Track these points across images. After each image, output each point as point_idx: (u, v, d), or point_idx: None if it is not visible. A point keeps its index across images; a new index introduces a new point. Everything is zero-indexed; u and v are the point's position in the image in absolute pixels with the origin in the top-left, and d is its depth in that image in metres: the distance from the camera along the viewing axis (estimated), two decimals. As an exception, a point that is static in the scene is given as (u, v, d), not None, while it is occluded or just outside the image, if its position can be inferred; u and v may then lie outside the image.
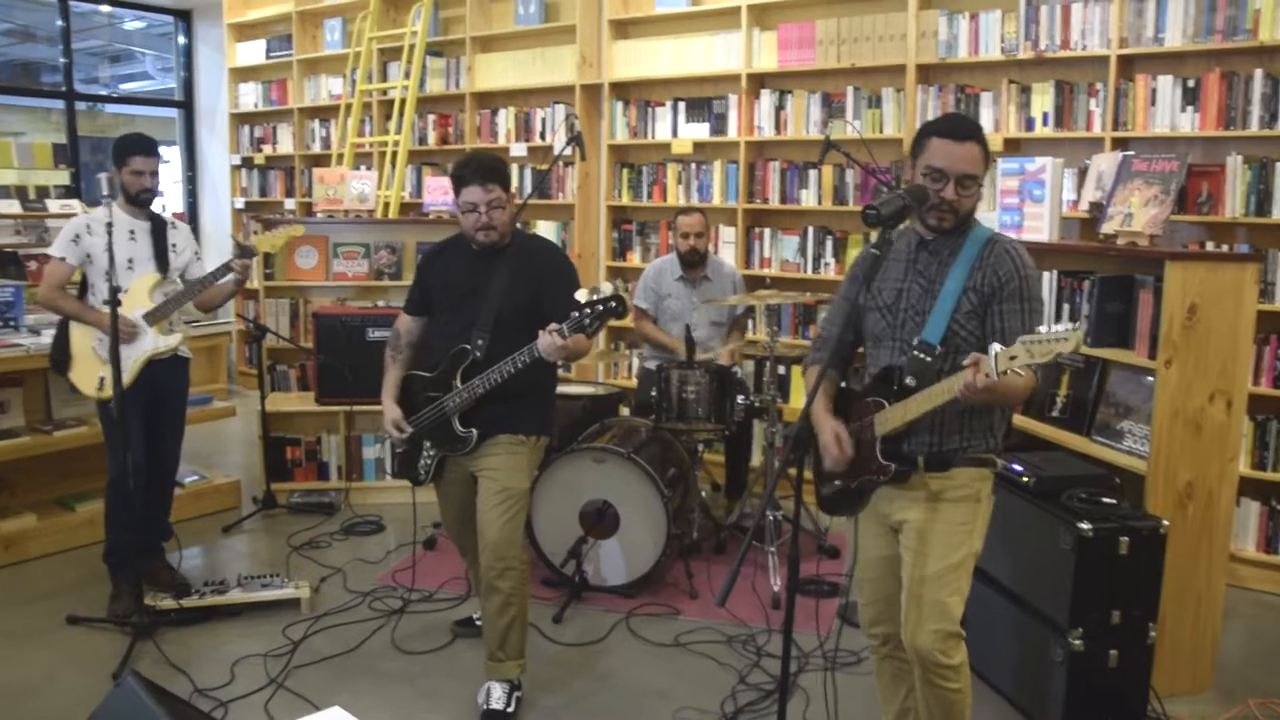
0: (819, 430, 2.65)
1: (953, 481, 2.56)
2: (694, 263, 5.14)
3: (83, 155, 8.38)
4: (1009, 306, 2.50)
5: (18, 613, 4.03)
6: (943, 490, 2.56)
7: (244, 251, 4.05)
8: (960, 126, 2.50)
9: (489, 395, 3.21)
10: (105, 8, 8.98)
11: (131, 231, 4.00)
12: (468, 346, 3.25)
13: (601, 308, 2.99)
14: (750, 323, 5.53)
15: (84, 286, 4.09)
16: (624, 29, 6.41)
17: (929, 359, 2.51)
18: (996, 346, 2.22)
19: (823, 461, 2.70)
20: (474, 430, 3.26)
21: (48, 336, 4.33)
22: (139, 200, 4.01)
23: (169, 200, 9.25)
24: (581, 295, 3.02)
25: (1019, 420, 3.84)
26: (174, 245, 4.10)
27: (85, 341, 4.00)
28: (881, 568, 2.72)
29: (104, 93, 9.81)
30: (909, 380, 2.52)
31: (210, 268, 4.09)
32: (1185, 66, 4.61)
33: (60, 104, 8.32)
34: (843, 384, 2.78)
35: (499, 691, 3.28)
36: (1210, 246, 4.55)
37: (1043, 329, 2.21)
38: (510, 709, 3.27)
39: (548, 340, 3.02)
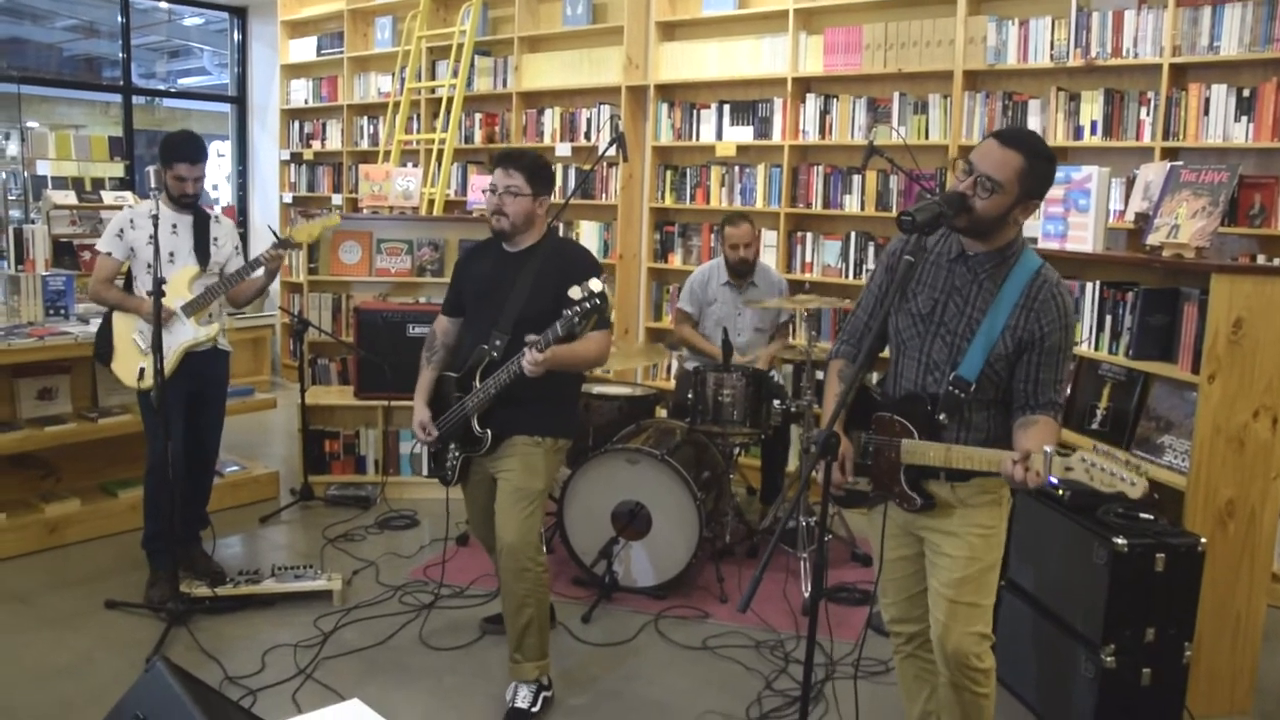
0: None
1: (975, 488, 2.52)
2: (744, 273, 5.12)
3: (138, 148, 8.54)
4: (1046, 359, 2.42)
5: (59, 596, 4.11)
6: (967, 497, 2.53)
7: (280, 244, 4.10)
8: (1013, 134, 2.43)
9: (506, 397, 3.20)
10: (165, 4, 9.14)
11: (174, 225, 4.06)
12: (485, 347, 3.26)
13: (589, 305, 2.97)
14: (791, 327, 5.51)
15: (129, 280, 4.17)
16: (671, 31, 6.42)
17: (963, 395, 2.47)
18: (1049, 449, 2.17)
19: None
20: (489, 431, 3.26)
21: (96, 325, 4.41)
22: (180, 203, 4.08)
23: (220, 194, 9.41)
24: (575, 293, 2.99)
25: (1058, 432, 3.78)
26: (215, 239, 4.16)
27: (127, 333, 4.07)
28: (903, 568, 2.71)
29: (162, 87, 9.99)
30: (941, 416, 2.48)
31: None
32: (1241, 76, 4.52)
33: (119, 98, 8.49)
34: (875, 383, 2.75)
35: (525, 691, 3.29)
36: (1262, 260, 4.45)
37: (1101, 459, 2.16)
38: (535, 709, 3.27)
39: (528, 357, 3.03)
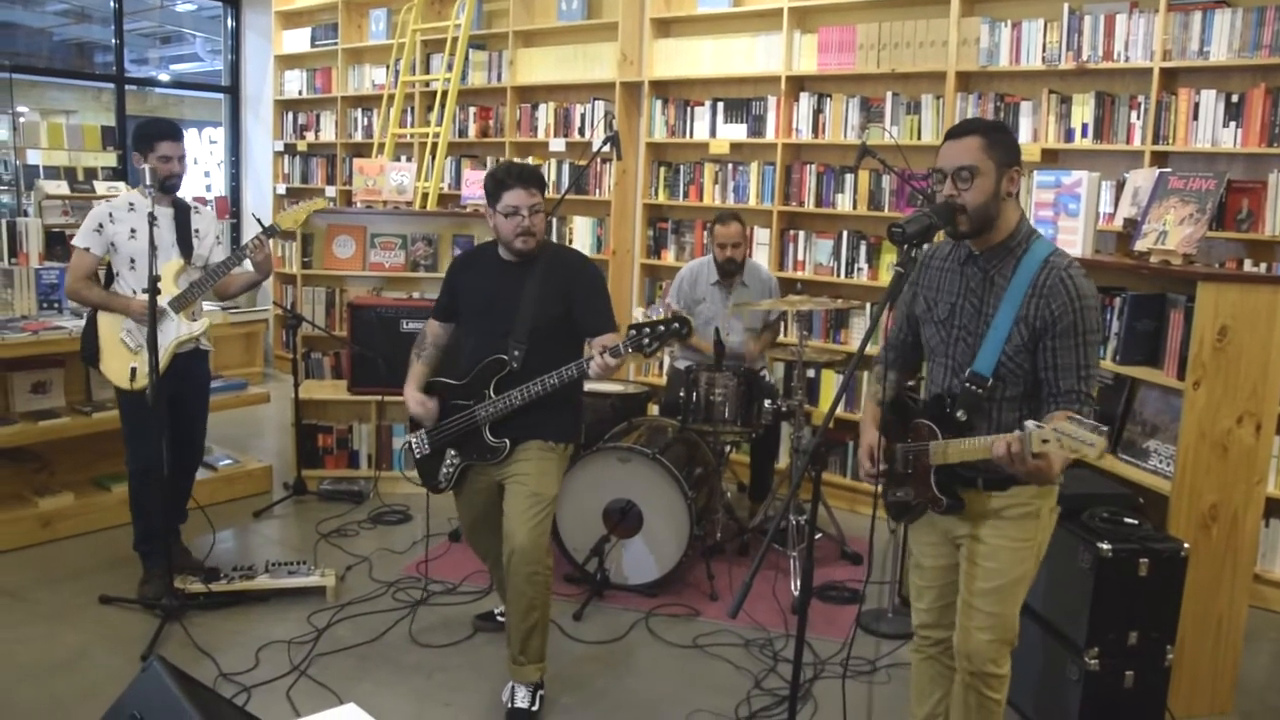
0: (861, 437, 2.73)
1: (1013, 499, 2.54)
2: (732, 272, 5.14)
3: (130, 137, 8.51)
4: (1062, 343, 2.41)
5: (52, 591, 4.13)
6: (1003, 508, 2.54)
7: (266, 231, 4.04)
8: (960, 125, 2.51)
9: (523, 405, 3.24)
10: (157, -10, 9.12)
11: (154, 218, 4.01)
12: (504, 357, 3.27)
13: (664, 329, 3.01)
14: (782, 325, 5.53)
15: (109, 275, 4.07)
16: (665, 27, 6.42)
17: (980, 391, 2.49)
18: (1031, 425, 2.20)
19: (893, 467, 2.73)
20: (506, 440, 3.29)
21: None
22: (166, 186, 3.94)
23: (213, 182, 9.40)
24: (638, 314, 3.04)
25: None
26: (197, 230, 4.08)
27: (113, 333, 3.99)
28: (941, 576, 2.74)
29: (154, 74, 9.96)
30: (960, 414, 2.52)
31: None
32: (1230, 81, 4.55)
33: (111, 85, 8.47)
34: (910, 392, 2.81)
35: (523, 691, 3.32)
36: (1249, 265, 4.50)
37: (1067, 426, 2.14)
38: (535, 708, 3.31)
39: (599, 363, 3.06)
